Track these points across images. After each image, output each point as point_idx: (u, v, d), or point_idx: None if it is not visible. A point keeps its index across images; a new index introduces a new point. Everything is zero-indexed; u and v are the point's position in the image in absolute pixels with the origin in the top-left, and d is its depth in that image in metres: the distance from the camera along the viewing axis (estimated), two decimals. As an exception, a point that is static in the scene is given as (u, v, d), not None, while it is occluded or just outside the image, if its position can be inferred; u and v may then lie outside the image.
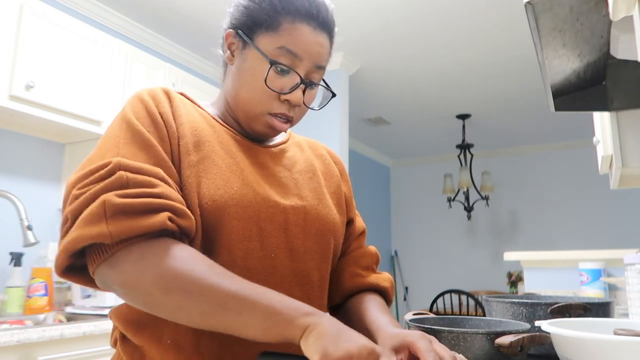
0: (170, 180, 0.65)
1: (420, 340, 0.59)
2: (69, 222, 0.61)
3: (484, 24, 3.00)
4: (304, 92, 0.76)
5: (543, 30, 0.96)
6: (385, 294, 0.87)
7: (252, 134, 0.80)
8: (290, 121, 0.78)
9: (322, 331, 0.54)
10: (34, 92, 2.00)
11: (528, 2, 0.85)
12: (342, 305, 0.87)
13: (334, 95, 0.81)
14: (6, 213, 2.22)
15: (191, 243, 0.67)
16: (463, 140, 4.86)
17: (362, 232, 0.94)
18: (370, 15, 2.92)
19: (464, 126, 4.78)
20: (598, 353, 0.66)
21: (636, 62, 1.21)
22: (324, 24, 0.76)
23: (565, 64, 1.16)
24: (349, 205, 0.92)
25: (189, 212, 0.64)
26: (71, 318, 2.10)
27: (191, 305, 0.58)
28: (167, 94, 0.75)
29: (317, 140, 1.40)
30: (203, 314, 0.58)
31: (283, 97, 0.74)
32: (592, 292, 1.99)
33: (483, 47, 3.30)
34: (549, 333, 0.73)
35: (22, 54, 1.97)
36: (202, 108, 0.80)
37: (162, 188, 0.62)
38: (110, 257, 0.60)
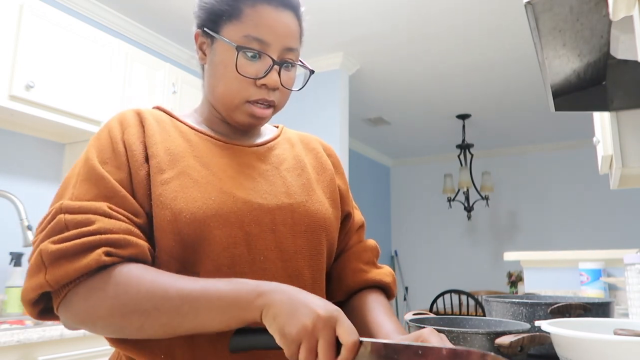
0: (114, 212, 0.65)
1: (432, 336, 0.60)
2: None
3: (485, 24, 3.00)
4: (279, 73, 0.75)
5: (543, 30, 0.96)
6: (387, 290, 0.87)
7: (237, 126, 0.79)
8: (272, 106, 0.77)
9: (276, 311, 0.56)
10: (34, 92, 2.00)
11: (528, 2, 0.85)
12: (345, 303, 0.86)
13: (312, 72, 0.80)
14: (6, 213, 2.22)
15: (158, 263, 0.68)
16: (463, 140, 4.86)
17: (361, 226, 0.92)
18: (370, 16, 2.92)
19: (464, 126, 4.78)
20: (598, 353, 0.66)
21: (636, 62, 1.21)
22: (287, 2, 0.75)
23: (565, 64, 1.16)
24: (345, 199, 0.90)
25: (133, 239, 0.64)
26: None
27: (151, 322, 0.60)
28: (140, 116, 0.76)
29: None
30: (164, 325, 0.60)
31: (259, 82, 0.74)
32: (592, 292, 1.99)
33: (483, 47, 3.30)
34: (549, 333, 0.73)
35: (22, 54, 1.97)
36: (180, 120, 0.79)
37: (100, 223, 0.63)
38: (63, 299, 0.62)
